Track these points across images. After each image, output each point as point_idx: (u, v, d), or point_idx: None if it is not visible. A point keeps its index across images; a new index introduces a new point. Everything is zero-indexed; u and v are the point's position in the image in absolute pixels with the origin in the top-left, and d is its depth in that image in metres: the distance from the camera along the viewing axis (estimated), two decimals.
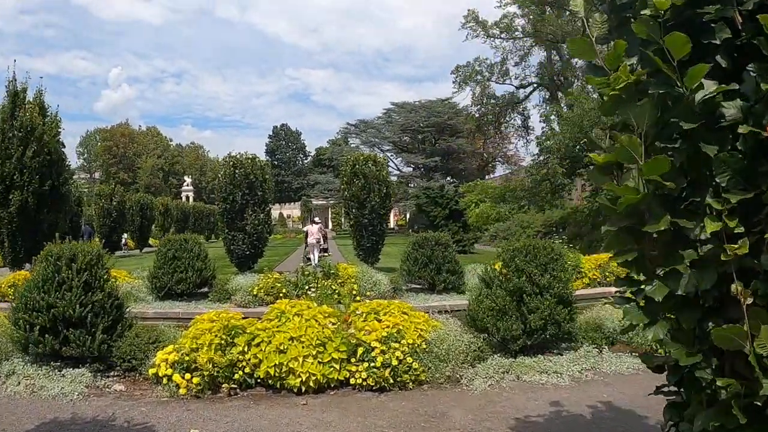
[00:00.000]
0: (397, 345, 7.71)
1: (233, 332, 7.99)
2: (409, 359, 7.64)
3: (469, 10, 48.24)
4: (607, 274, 16.84)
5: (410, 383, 7.60)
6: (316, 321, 8.13)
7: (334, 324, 8.31)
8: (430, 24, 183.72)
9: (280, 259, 29.08)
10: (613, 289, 11.18)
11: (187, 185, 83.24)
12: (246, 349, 7.71)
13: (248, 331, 7.95)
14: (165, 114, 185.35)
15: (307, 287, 14.54)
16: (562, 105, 37.03)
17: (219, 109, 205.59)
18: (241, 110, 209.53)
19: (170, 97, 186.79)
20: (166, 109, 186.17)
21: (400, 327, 8.06)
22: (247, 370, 7.63)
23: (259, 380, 7.66)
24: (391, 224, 71.12)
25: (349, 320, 8.61)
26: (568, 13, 40.83)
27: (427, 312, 9.74)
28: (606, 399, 7.07)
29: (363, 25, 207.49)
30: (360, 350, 7.71)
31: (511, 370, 8.08)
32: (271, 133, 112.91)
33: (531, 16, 43.47)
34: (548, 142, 29.32)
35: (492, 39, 48.69)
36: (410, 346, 7.78)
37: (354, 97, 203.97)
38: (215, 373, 7.54)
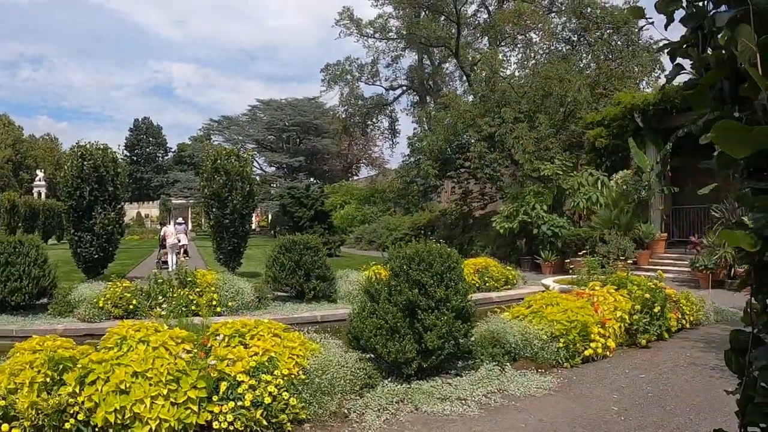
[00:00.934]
0: (269, 377, 6.25)
1: (61, 366, 6.22)
2: (286, 394, 6.20)
3: (344, 7, 47.13)
4: (486, 279, 16.22)
5: (288, 424, 6.16)
6: (167, 349, 6.47)
7: (189, 352, 6.70)
8: (300, 23, 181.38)
9: (135, 262, 26.69)
10: (494, 295, 10.29)
11: (40, 180, 76.31)
12: (78, 389, 5.98)
13: (80, 365, 6.20)
14: (20, 102, 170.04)
15: (161, 298, 12.75)
16: (430, 109, 36.85)
17: (77, 100, 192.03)
18: (100, 101, 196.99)
19: (27, 84, 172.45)
20: (21, 96, 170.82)
21: (272, 354, 6.60)
22: (80, 416, 5.86)
23: (97, 429, 5.95)
24: (253, 225, 69.57)
25: (209, 345, 7.04)
26: (443, 18, 40.62)
27: (300, 327, 8.38)
28: (526, 431, 5.97)
29: (232, 19, 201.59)
30: (223, 386, 6.18)
31: (407, 398, 6.85)
32: (131, 127, 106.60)
33: (406, 18, 42.91)
34: (421, 143, 28.74)
35: (365, 38, 47.88)
36: (286, 377, 6.34)
37: (218, 93, 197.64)
38: (40, 422, 5.76)
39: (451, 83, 51.16)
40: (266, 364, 6.43)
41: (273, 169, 64.69)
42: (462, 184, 29.36)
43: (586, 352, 8.68)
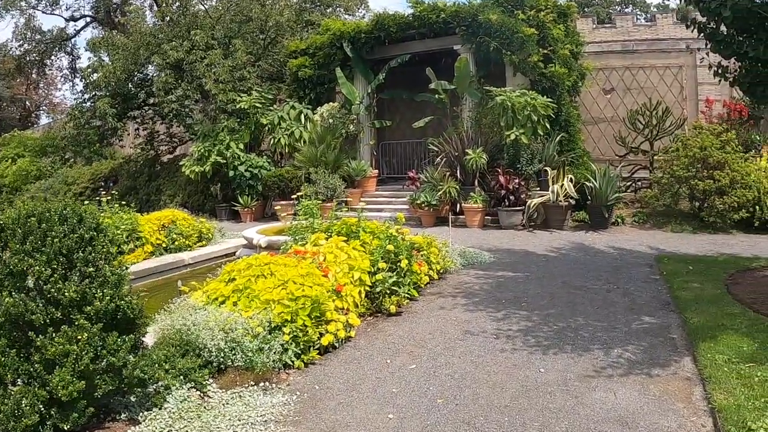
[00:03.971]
0: None
1: None
2: None
3: None
4: (174, 236, 13.10)
5: None
6: None
7: None
8: None
9: None
10: (186, 256, 6.97)
11: None
12: None
13: None
14: None
15: None
16: (107, 35, 31.66)
17: None
18: None
19: None
20: None
21: None
22: None
23: None
24: None
25: None
26: None
27: None
28: None
29: None
30: None
31: None
32: None
33: None
34: (95, 75, 24.10)
35: None
36: None
37: None
38: None
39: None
40: None
41: None
42: (147, 125, 25.98)
43: (324, 340, 6.15)
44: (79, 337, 4.19)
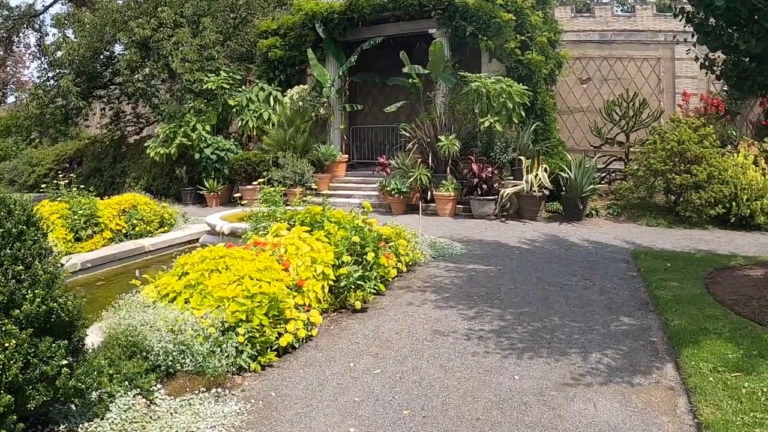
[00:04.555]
0: None
1: None
2: None
3: None
4: (135, 222, 12.65)
5: None
6: None
7: None
8: None
9: None
10: (147, 243, 6.57)
11: None
12: None
13: None
14: None
15: None
16: (74, 12, 30.74)
17: None
18: None
19: None
20: None
21: None
22: None
23: None
24: None
25: None
26: None
27: None
28: None
29: None
30: None
31: None
32: None
33: None
34: (59, 52, 23.37)
35: None
36: None
37: None
38: None
39: None
40: None
41: None
42: (113, 105, 25.34)
43: (283, 341, 5.78)
44: (7, 344, 3.76)
